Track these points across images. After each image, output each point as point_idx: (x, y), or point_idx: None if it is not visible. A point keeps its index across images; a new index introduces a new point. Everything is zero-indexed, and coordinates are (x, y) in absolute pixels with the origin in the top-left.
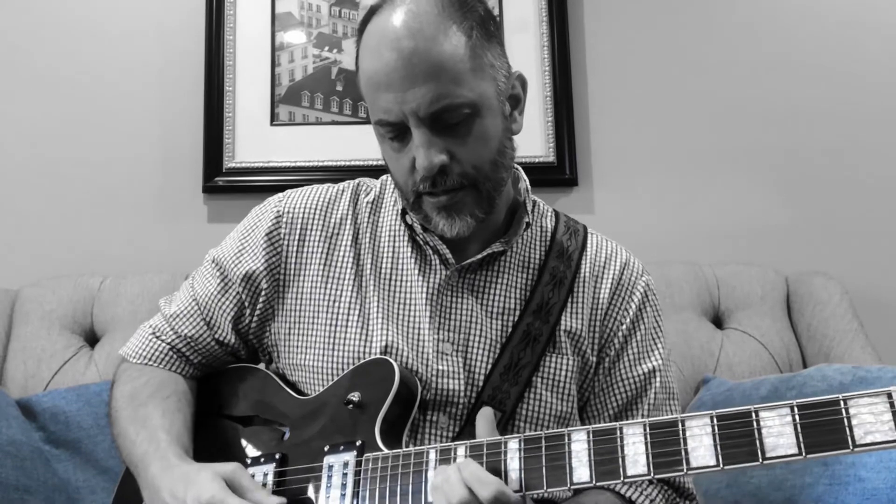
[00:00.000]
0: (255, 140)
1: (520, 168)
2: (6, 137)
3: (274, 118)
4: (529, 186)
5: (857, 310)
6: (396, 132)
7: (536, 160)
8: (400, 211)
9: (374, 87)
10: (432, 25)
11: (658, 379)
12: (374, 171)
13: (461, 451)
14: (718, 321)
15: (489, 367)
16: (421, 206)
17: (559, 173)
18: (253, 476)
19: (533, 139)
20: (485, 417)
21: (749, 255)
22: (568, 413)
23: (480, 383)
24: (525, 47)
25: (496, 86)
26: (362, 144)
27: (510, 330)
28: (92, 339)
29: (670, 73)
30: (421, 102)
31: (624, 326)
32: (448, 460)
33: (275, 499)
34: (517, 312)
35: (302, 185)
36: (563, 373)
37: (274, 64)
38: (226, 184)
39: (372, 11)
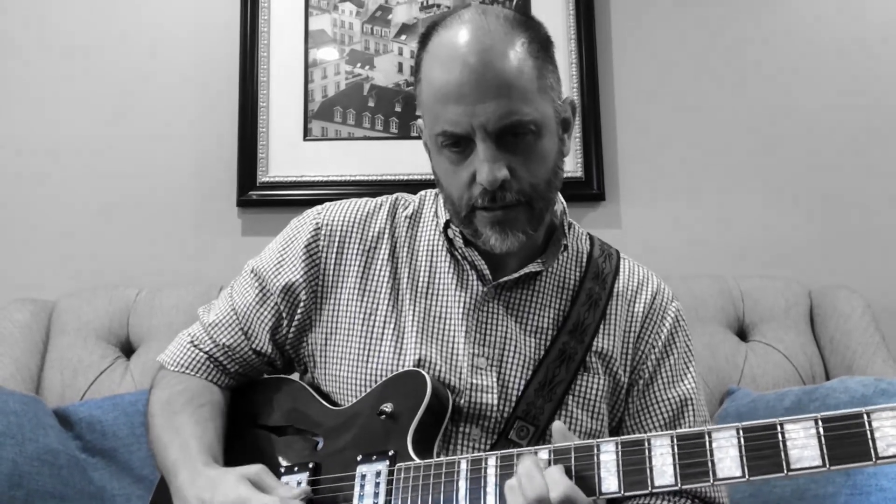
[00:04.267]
0: (288, 155)
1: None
2: (43, 151)
3: (307, 133)
4: (567, 209)
5: (878, 323)
6: (459, 145)
7: (565, 175)
8: (441, 224)
9: (443, 99)
10: (503, 42)
11: (693, 403)
12: (406, 186)
13: (492, 461)
14: (743, 334)
15: (523, 383)
16: (472, 221)
17: (587, 188)
18: (287, 484)
19: None
20: (557, 432)
21: (773, 269)
22: (598, 431)
23: (514, 398)
24: None
25: (554, 107)
26: (394, 159)
27: (545, 348)
28: (128, 349)
29: (696, 89)
30: (491, 117)
31: (656, 349)
32: (479, 470)
33: (298, 490)
34: (552, 331)
35: (334, 200)
36: (595, 392)
37: (307, 80)
38: (260, 198)
39: (435, 24)
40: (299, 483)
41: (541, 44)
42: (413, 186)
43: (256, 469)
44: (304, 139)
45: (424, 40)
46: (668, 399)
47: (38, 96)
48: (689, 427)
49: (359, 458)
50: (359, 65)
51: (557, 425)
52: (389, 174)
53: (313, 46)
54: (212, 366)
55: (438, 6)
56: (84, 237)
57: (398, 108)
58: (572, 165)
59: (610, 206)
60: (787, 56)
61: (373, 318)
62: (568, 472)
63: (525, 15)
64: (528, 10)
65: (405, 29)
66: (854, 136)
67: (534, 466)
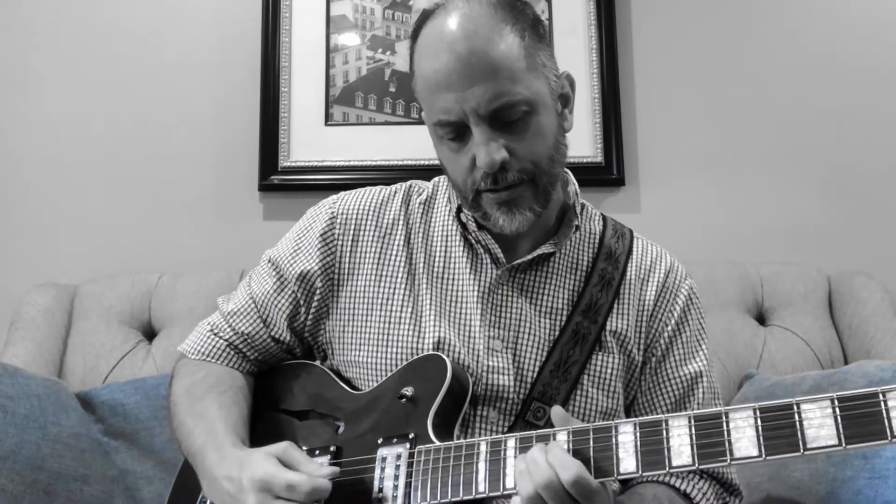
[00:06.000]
0: (309, 140)
1: (569, 172)
2: (66, 137)
3: (328, 118)
4: (578, 190)
5: None
6: (455, 132)
7: (584, 160)
8: (454, 210)
9: (433, 89)
10: (487, 27)
11: (704, 380)
12: (426, 171)
13: (511, 443)
14: (762, 319)
15: (539, 364)
16: (480, 204)
17: (607, 173)
18: (314, 461)
19: (581, 140)
20: (557, 417)
21: (792, 254)
22: (613, 409)
23: (530, 380)
24: (574, 51)
25: (549, 84)
26: (415, 144)
27: (559, 329)
28: (149, 333)
29: (715, 74)
30: (480, 101)
31: (669, 328)
32: (498, 452)
33: (327, 470)
34: (566, 312)
35: (355, 184)
36: (610, 371)
37: (328, 65)
38: (281, 182)
39: (425, 17)
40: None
41: (528, 23)
42: (434, 171)
43: (284, 445)
44: (326, 124)
45: (415, 34)
46: (680, 376)
47: (61, 83)
48: (699, 402)
49: (379, 442)
50: (380, 50)
51: (557, 410)
52: (410, 159)
53: (335, 32)
54: (232, 353)
55: None
56: (106, 222)
57: None
58: (592, 150)
59: (630, 191)
60: (807, 41)
61: (390, 302)
62: (586, 452)
63: None
64: None
65: None
66: (874, 123)
67: (539, 452)
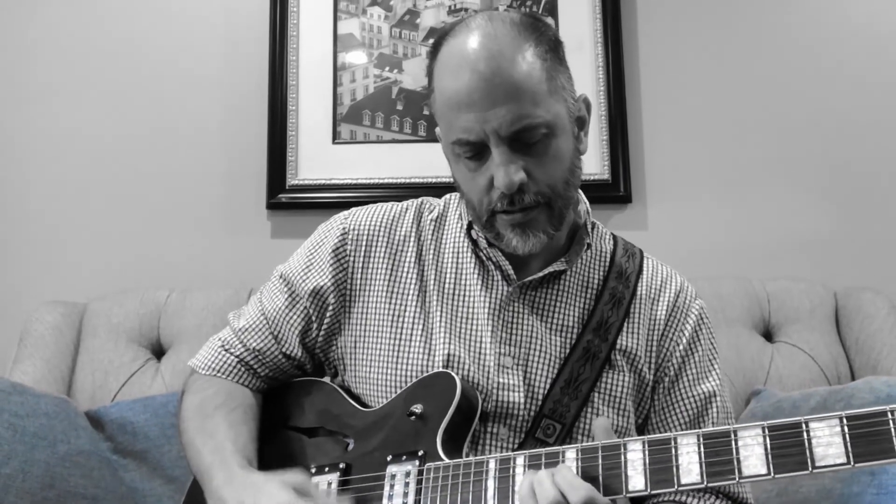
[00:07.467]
0: (317, 158)
1: (580, 191)
2: (74, 154)
3: (336, 136)
4: (590, 209)
5: None
6: (474, 151)
7: (592, 178)
8: (465, 227)
9: (454, 107)
10: (511, 47)
11: (718, 399)
12: (434, 188)
13: (520, 460)
14: (769, 335)
15: (549, 381)
16: (494, 225)
17: (614, 191)
18: (317, 485)
19: (588, 157)
20: (601, 427)
21: (798, 270)
22: (624, 428)
23: (541, 397)
24: (581, 67)
25: (567, 107)
26: (422, 162)
27: (570, 346)
28: (158, 351)
29: (722, 90)
30: (502, 122)
31: (681, 347)
32: (507, 469)
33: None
34: (576, 330)
35: (363, 202)
36: (620, 388)
37: (336, 84)
38: (289, 200)
39: (444, 34)
40: (330, 483)
41: (549, 45)
42: (441, 189)
43: (300, 477)
44: (333, 142)
45: (435, 51)
46: (694, 396)
47: (68, 99)
48: (714, 422)
49: (389, 459)
50: (387, 68)
51: (602, 422)
52: (418, 177)
53: (342, 50)
54: (243, 369)
55: (466, 10)
56: (114, 240)
57: (426, 112)
58: (599, 168)
59: (637, 208)
60: (814, 57)
61: (401, 319)
62: (594, 470)
63: (533, 17)
64: (555, 12)
65: (433, 33)
66: (881, 138)
67: (545, 475)
